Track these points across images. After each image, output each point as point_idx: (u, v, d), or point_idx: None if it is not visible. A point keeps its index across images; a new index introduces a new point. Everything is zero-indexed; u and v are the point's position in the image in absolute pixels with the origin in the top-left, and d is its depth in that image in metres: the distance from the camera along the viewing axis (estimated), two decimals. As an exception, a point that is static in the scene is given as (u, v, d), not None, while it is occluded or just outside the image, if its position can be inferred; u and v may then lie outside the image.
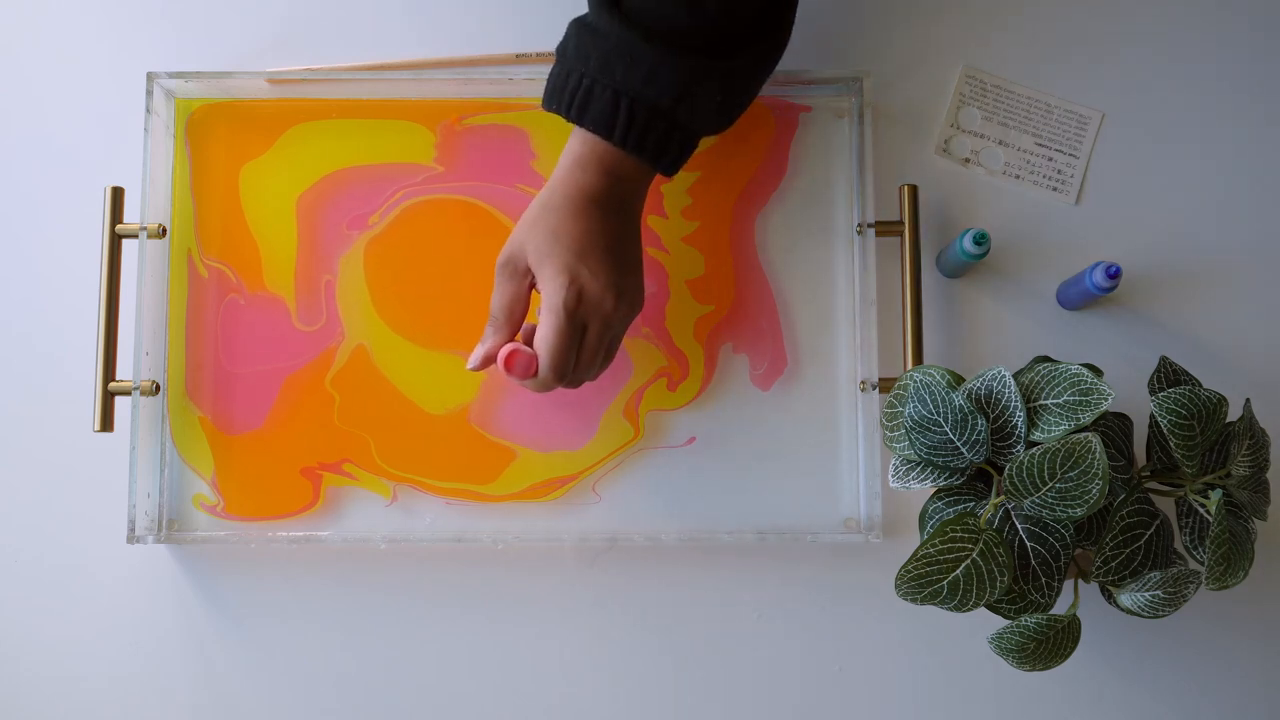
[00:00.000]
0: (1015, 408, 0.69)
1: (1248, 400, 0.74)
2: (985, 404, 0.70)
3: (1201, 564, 0.70)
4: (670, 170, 0.74)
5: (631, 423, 0.83)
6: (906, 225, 0.82)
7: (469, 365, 0.74)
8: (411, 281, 0.85)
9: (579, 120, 0.71)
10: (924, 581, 0.68)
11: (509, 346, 0.73)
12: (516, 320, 0.74)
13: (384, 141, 0.86)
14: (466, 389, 0.84)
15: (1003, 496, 0.69)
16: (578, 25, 0.73)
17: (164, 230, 0.83)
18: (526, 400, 0.83)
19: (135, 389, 0.80)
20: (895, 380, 0.75)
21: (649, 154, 0.72)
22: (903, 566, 0.68)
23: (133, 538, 0.80)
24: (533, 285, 0.73)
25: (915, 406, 0.70)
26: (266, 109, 0.86)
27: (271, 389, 0.83)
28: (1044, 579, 0.69)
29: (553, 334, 0.70)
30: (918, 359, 0.81)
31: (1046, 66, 0.87)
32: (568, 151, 0.73)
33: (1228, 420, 0.71)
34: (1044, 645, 0.69)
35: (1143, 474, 0.73)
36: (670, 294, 0.84)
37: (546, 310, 0.71)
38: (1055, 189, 0.86)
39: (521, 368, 0.72)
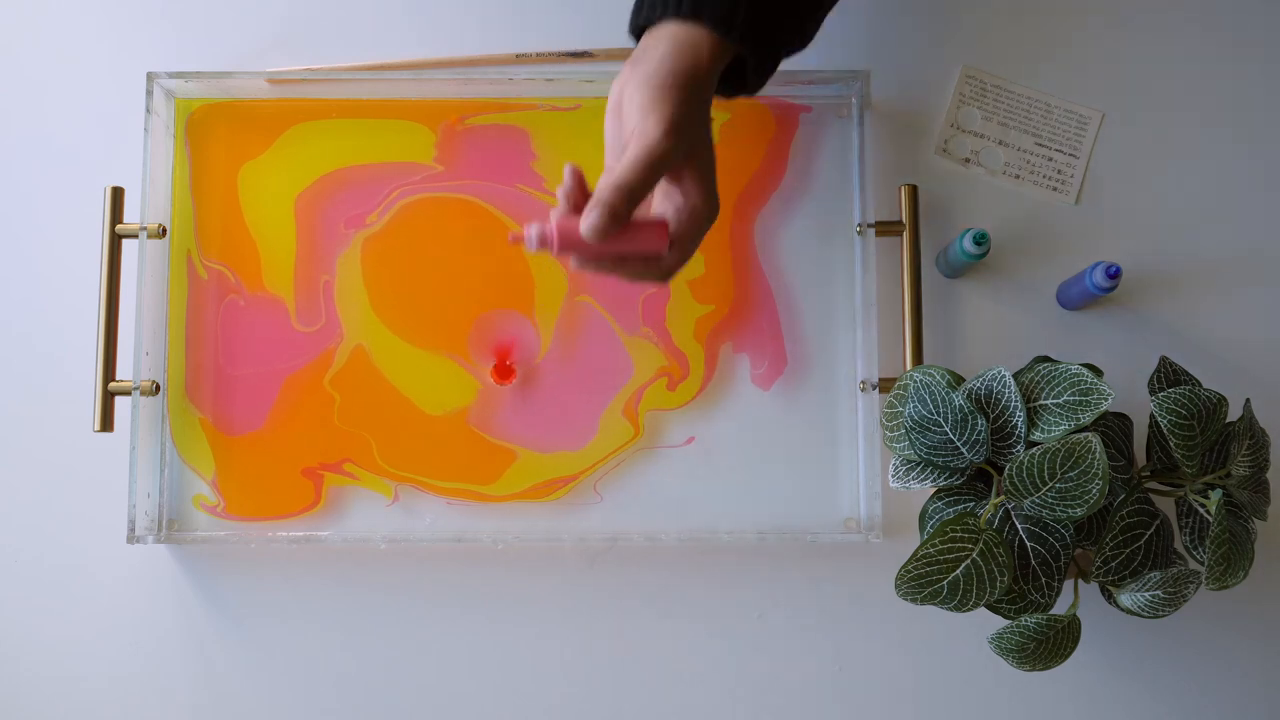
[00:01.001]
0: (1015, 408, 0.69)
1: (1248, 400, 0.74)
2: (985, 404, 0.70)
3: (1201, 564, 0.70)
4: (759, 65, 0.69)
5: (631, 422, 0.83)
6: (906, 225, 0.82)
7: (530, 245, 0.63)
8: (408, 280, 0.85)
9: (693, 12, 0.66)
10: (924, 581, 0.68)
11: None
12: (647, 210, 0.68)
13: (384, 141, 0.86)
14: (465, 392, 0.83)
15: (1003, 496, 0.69)
16: None
17: (164, 230, 0.83)
18: (527, 402, 0.83)
19: (135, 389, 0.80)
20: (895, 380, 0.75)
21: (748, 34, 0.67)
22: (903, 566, 0.68)
23: (133, 538, 0.80)
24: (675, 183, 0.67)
25: (915, 406, 0.70)
26: (266, 109, 0.86)
27: (271, 390, 0.83)
28: (1044, 579, 0.69)
29: (698, 218, 0.66)
30: (918, 359, 0.81)
31: (1046, 66, 0.87)
32: (669, 43, 0.67)
33: (1228, 420, 0.71)
34: (1044, 645, 0.69)
35: (1143, 474, 0.73)
36: (671, 293, 0.84)
37: (698, 197, 0.66)
38: (1055, 189, 0.86)
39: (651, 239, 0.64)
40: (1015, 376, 0.70)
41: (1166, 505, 0.73)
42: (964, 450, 0.69)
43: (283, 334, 0.84)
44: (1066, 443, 0.66)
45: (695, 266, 0.85)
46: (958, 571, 0.67)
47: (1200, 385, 0.71)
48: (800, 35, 0.73)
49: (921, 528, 0.72)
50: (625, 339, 0.83)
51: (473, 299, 0.84)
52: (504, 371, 0.83)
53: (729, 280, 0.85)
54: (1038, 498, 0.67)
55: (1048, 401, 0.69)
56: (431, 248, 0.85)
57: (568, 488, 0.83)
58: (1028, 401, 0.69)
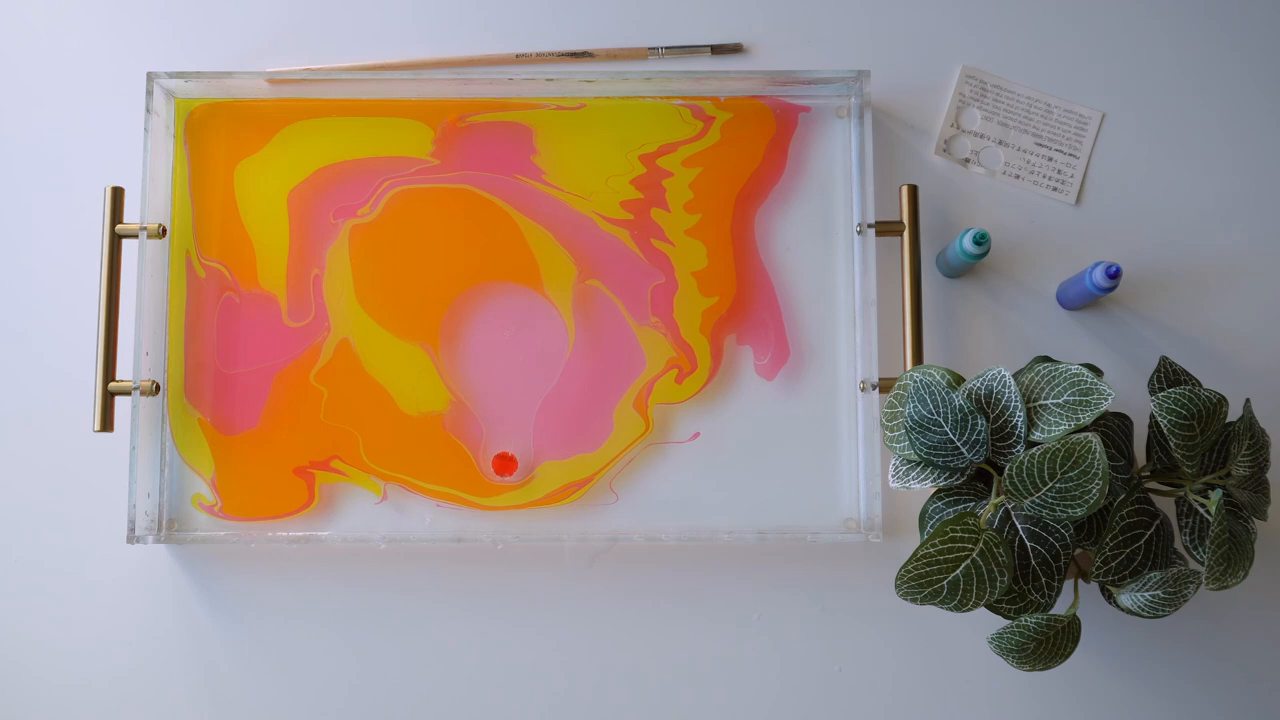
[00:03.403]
0: (1015, 408, 0.69)
1: (1248, 400, 0.74)
2: (985, 404, 0.70)
3: (1201, 564, 0.70)
4: None
5: (642, 415, 0.83)
6: (906, 225, 0.82)
7: None
8: (393, 267, 0.84)
9: None
10: (924, 581, 0.68)
11: None
12: None
13: (381, 137, 0.86)
14: (438, 397, 0.83)
15: (1003, 496, 0.69)
16: None
17: (164, 230, 0.83)
18: (540, 416, 0.83)
19: (135, 389, 0.80)
20: (895, 380, 0.75)
21: None
22: (903, 566, 0.68)
23: (133, 538, 0.80)
24: None
25: (915, 406, 0.70)
26: (266, 109, 0.86)
27: (264, 388, 0.83)
28: (1044, 579, 0.69)
29: None
30: (918, 359, 0.81)
31: (1046, 66, 0.87)
32: None
33: (1228, 420, 0.71)
34: (1044, 645, 0.69)
35: (1143, 474, 0.73)
36: (679, 285, 0.84)
37: None
38: (1055, 189, 0.86)
39: None
40: (1015, 376, 0.70)
41: (1166, 505, 0.73)
42: (964, 450, 0.69)
43: (274, 330, 0.84)
44: (1066, 443, 0.66)
45: (699, 258, 0.85)
46: (958, 571, 0.67)
47: (1200, 385, 0.71)
48: None
49: (921, 528, 0.72)
50: (637, 329, 0.83)
51: (464, 289, 0.84)
52: (505, 465, 0.83)
53: (731, 273, 0.85)
54: (1038, 498, 0.67)
55: (1048, 401, 0.69)
56: (420, 235, 0.85)
57: (582, 490, 0.83)
58: (1028, 401, 0.69)
